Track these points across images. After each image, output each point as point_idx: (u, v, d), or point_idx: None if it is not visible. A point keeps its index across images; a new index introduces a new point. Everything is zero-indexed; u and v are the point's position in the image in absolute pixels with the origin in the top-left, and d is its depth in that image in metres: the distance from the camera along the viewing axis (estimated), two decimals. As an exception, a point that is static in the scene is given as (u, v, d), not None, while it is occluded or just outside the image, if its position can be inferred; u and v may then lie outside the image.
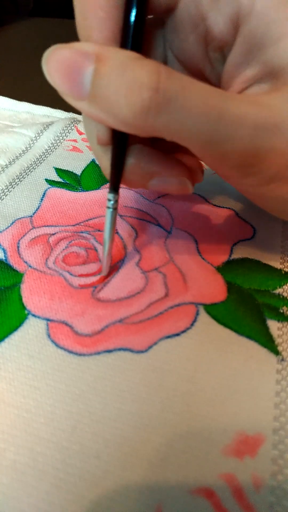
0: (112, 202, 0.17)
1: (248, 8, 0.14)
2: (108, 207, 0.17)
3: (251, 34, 0.15)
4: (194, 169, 0.18)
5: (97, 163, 0.18)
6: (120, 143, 0.16)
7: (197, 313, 0.17)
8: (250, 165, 0.14)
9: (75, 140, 0.30)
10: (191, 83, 0.13)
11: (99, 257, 0.20)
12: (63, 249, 0.20)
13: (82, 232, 0.21)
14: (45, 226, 0.22)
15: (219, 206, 0.24)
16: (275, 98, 0.14)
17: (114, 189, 0.17)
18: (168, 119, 0.13)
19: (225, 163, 0.14)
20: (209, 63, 0.17)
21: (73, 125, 0.31)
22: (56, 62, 0.13)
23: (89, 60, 0.12)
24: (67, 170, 0.27)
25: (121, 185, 0.17)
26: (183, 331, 0.17)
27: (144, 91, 0.12)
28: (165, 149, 0.18)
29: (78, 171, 0.26)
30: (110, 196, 0.17)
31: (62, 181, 0.26)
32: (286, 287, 0.19)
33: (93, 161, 0.27)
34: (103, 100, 0.13)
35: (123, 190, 0.24)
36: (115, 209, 0.18)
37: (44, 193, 0.24)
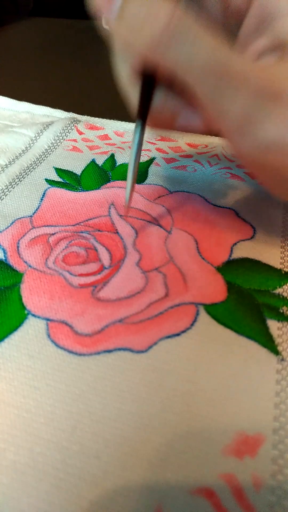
0: (139, 126, 0.18)
1: None
2: (137, 126, 0.18)
3: (263, 6, 0.16)
4: None
5: (126, 99, 0.19)
6: (148, 77, 0.17)
7: (197, 313, 0.17)
8: (248, 124, 0.15)
9: (75, 140, 0.30)
10: (202, 30, 0.14)
11: (99, 257, 0.20)
12: (63, 249, 0.20)
13: (82, 232, 0.21)
14: (45, 226, 0.22)
15: (219, 206, 0.24)
16: (281, 67, 0.15)
17: (142, 119, 0.18)
18: (176, 55, 0.14)
19: (225, 120, 0.15)
20: (225, 30, 0.17)
21: (73, 125, 0.31)
22: None
23: None
24: (67, 170, 0.27)
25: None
26: (183, 331, 0.17)
27: (157, 24, 0.13)
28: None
29: (78, 171, 0.26)
30: (138, 122, 0.17)
31: (62, 181, 0.26)
32: (286, 287, 0.19)
33: (93, 161, 0.27)
34: (125, 25, 0.14)
35: (123, 191, 0.24)
36: (143, 129, 0.18)
37: (44, 193, 0.24)
